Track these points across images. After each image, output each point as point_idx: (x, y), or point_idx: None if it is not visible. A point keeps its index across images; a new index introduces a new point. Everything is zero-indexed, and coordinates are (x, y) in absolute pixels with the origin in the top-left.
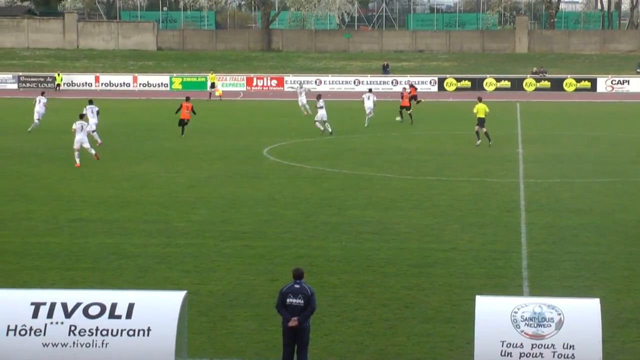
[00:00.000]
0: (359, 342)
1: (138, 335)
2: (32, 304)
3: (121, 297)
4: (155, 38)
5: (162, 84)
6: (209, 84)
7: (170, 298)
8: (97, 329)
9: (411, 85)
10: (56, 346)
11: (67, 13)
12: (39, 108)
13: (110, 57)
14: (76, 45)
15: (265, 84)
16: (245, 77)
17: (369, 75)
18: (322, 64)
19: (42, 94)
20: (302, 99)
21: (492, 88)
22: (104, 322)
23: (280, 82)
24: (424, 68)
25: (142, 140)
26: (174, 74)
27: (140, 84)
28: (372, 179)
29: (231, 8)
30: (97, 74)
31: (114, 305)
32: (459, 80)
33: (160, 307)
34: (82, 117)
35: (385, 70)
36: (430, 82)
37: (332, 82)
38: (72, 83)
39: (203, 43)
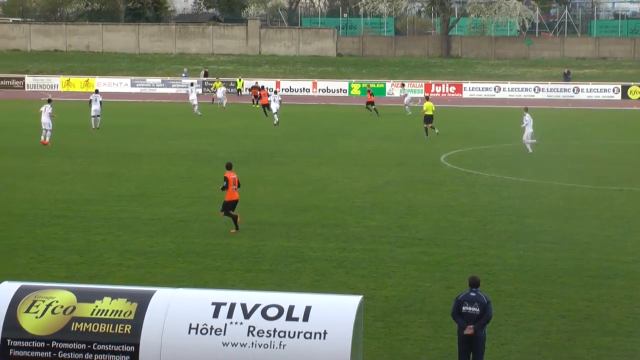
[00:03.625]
0: (536, 352)
1: (314, 338)
2: (213, 303)
3: (299, 300)
4: (335, 44)
5: (341, 89)
6: (220, 90)
7: (346, 302)
8: (274, 331)
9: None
10: (235, 346)
11: (250, 20)
12: (44, 118)
13: (290, 62)
14: (258, 51)
15: (443, 91)
16: (423, 84)
17: (549, 83)
18: (501, 70)
19: (49, 101)
20: None
21: None
22: (282, 324)
23: (459, 89)
24: (606, 75)
25: (320, 145)
26: (353, 80)
27: (319, 90)
28: (551, 188)
29: (411, 14)
30: (278, 80)
31: (291, 308)
32: None
33: (336, 311)
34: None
35: (566, 78)
36: (614, 90)
37: (512, 89)
38: (291, 89)
39: (382, 49)
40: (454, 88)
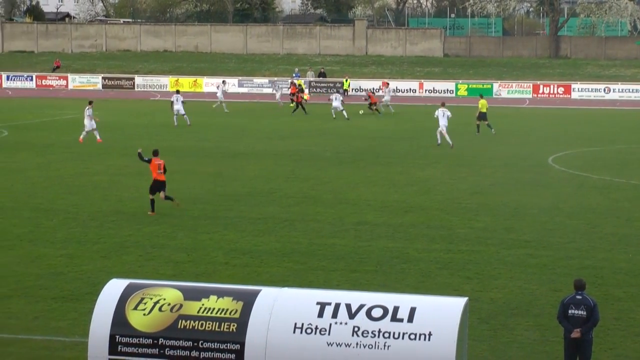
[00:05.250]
0: None
1: (419, 339)
2: (317, 303)
3: (403, 301)
4: (442, 45)
5: (447, 90)
6: (219, 90)
7: (451, 304)
8: (379, 331)
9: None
10: (340, 346)
11: (357, 20)
12: (86, 121)
13: (397, 63)
14: (365, 51)
15: (552, 92)
16: (531, 85)
17: None
18: (611, 71)
19: (90, 103)
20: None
21: None
22: (387, 324)
23: (568, 90)
24: None
25: (426, 147)
26: (460, 81)
27: (426, 90)
28: None
29: (519, 14)
30: (385, 80)
31: (396, 309)
32: None
33: (441, 313)
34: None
35: None
36: None
37: (622, 90)
38: (359, 89)
39: (490, 50)
40: (563, 89)
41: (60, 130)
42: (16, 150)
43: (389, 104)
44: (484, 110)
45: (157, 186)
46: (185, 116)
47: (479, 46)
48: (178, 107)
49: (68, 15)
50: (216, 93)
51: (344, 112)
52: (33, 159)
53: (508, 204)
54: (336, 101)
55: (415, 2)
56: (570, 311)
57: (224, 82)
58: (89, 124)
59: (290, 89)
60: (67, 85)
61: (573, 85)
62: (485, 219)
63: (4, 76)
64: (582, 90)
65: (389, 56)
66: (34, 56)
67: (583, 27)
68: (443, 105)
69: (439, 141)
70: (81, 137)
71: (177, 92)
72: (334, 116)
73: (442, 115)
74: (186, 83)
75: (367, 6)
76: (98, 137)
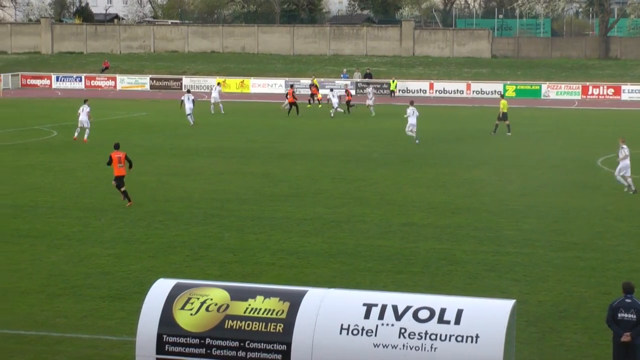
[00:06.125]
0: None
1: (466, 341)
2: (364, 304)
3: (450, 303)
4: (490, 45)
5: (495, 91)
6: (215, 90)
7: (499, 306)
8: (426, 333)
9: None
10: (386, 347)
11: (405, 21)
12: (83, 117)
13: (444, 64)
14: (412, 52)
15: (601, 93)
16: (580, 86)
17: None
18: None
19: (85, 101)
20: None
21: None
22: (433, 326)
23: (618, 91)
24: None
25: (474, 148)
26: (508, 82)
27: (473, 92)
28: None
29: (568, 15)
30: (432, 81)
31: (443, 311)
32: None
33: (489, 315)
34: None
35: None
36: None
37: None
38: (406, 90)
39: (538, 51)
40: (612, 90)
41: (109, 131)
42: (65, 151)
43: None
44: (505, 110)
45: (118, 183)
46: (189, 116)
47: (527, 47)
48: (190, 105)
49: (117, 16)
50: (211, 94)
51: (336, 109)
52: (82, 159)
53: (556, 206)
54: (334, 98)
55: (463, 2)
56: (619, 315)
57: (219, 83)
58: (86, 121)
59: (311, 90)
60: (115, 86)
61: (623, 87)
62: (532, 221)
63: (53, 77)
64: (633, 92)
65: (436, 57)
66: (83, 57)
67: (633, 27)
68: (412, 103)
69: (412, 134)
70: (85, 137)
71: (188, 91)
72: (332, 116)
73: (412, 114)
74: (233, 84)
75: (414, 7)
76: (85, 137)
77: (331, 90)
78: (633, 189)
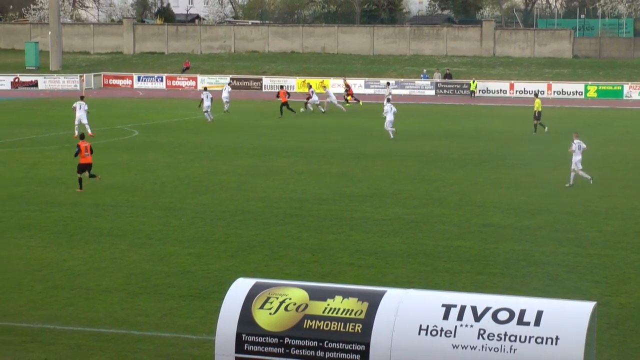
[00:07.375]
0: None
1: (546, 343)
2: (443, 305)
3: (530, 304)
4: (572, 46)
5: (576, 92)
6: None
7: (579, 308)
8: (505, 334)
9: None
10: (465, 349)
11: (485, 21)
12: (79, 113)
13: (525, 64)
14: (492, 52)
15: None
16: None
17: None
18: None
19: (82, 98)
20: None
21: None
22: (513, 327)
23: None
24: None
25: (554, 148)
26: (589, 82)
27: (554, 92)
28: None
29: None
30: (512, 82)
31: (522, 312)
32: None
33: (569, 317)
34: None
35: None
36: None
37: None
38: (486, 90)
39: (620, 51)
40: None
41: (189, 131)
42: (146, 150)
43: (319, 103)
44: (540, 109)
45: (84, 167)
46: (207, 113)
47: (610, 47)
48: (208, 103)
49: (198, 16)
50: (222, 93)
51: (319, 107)
52: (162, 159)
53: (638, 208)
54: (331, 96)
55: (544, 2)
56: None
57: (229, 82)
58: (84, 117)
59: (348, 90)
60: (196, 86)
61: None
62: (614, 223)
63: (135, 77)
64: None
65: (517, 57)
66: (164, 57)
67: None
68: (389, 101)
69: (392, 136)
70: (90, 131)
71: (205, 89)
72: (323, 110)
73: (390, 111)
74: (313, 84)
75: (495, 7)
76: (76, 133)
77: (309, 87)
78: (571, 183)
